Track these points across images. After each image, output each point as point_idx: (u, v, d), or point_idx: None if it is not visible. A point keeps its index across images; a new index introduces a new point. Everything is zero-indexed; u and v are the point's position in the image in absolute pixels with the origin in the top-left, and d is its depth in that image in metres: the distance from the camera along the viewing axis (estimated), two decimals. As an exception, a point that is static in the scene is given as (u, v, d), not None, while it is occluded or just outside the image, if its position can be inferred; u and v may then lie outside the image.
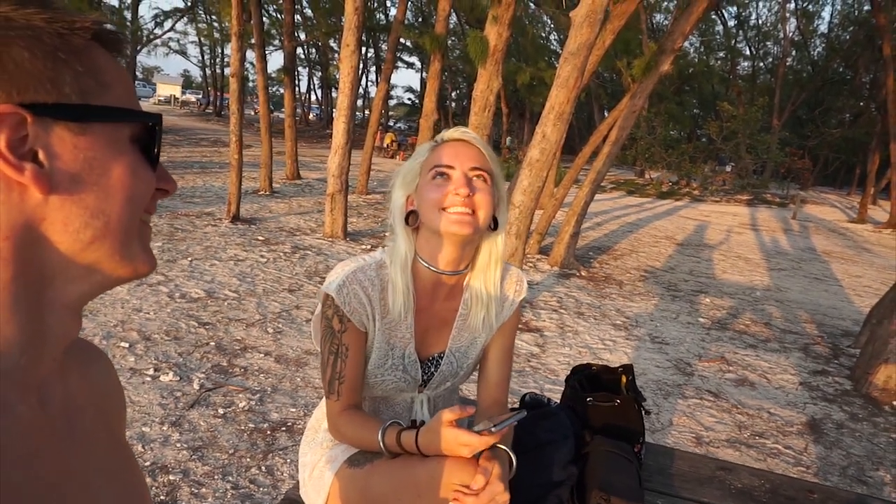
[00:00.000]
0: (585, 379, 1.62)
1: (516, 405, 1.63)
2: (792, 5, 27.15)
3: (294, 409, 3.14)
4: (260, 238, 7.08)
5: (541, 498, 1.24)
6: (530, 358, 4.22)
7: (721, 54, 31.33)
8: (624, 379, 1.59)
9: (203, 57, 41.30)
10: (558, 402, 1.63)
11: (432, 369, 1.31)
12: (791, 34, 27.68)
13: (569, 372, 1.69)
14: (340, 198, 7.34)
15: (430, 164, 1.18)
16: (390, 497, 1.11)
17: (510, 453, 1.10)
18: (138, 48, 26.47)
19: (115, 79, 0.49)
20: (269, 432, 2.90)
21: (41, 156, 0.44)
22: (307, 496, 1.30)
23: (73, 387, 0.55)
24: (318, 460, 1.30)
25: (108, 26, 0.50)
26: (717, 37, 30.63)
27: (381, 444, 1.14)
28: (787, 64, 27.78)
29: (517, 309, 1.34)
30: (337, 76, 7.28)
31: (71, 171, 0.45)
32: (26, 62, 0.43)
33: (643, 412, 1.56)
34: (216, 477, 2.51)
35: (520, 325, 4.84)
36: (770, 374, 4.33)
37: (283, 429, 2.94)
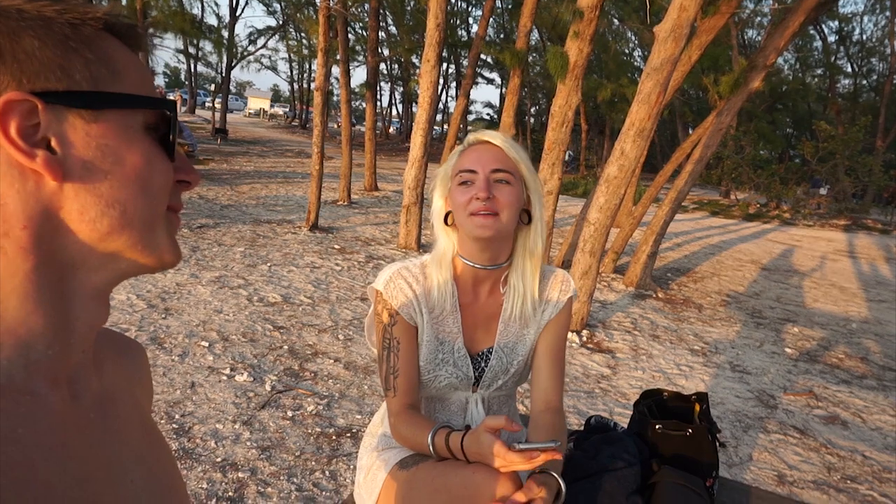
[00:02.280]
0: (655, 405, 1.54)
1: (581, 428, 1.57)
2: (901, 19, 25.35)
3: (360, 416, 3.17)
4: (336, 247, 7.27)
5: (601, 527, 1.18)
6: (600, 380, 4.09)
7: (819, 71, 29.64)
8: (697, 407, 1.50)
9: (291, 72, 43.16)
10: (625, 427, 1.56)
11: (483, 365, 1.33)
12: (899, 50, 25.81)
13: (638, 396, 1.61)
14: (415, 209, 7.43)
15: (456, 168, 1.25)
16: (426, 501, 1.13)
17: (560, 482, 1.07)
18: (233, 64, 27.99)
19: (128, 67, 0.48)
20: (334, 437, 2.94)
21: (54, 143, 0.44)
22: (360, 498, 1.32)
23: (108, 378, 0.55)
24: (372, 463, 1.32)
25: (122, 18, 0.49)
26: (816, 53, 29.00)
27: (430, 445, 1.15)
28: (895, 82, 25.90)
29: (565, 307, 1.35)
30: (417, 91, 7.41)
31: (84, 159, 0.45)
32: (37, 51, 0.43)
33: (717, 444, 1.46)
34: (282, 478, 2.57)
35: (591, 345, 4.72)
36: (865, 413, 3.99)
37: (349, 435, 2.98)
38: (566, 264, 6.54)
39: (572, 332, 4.87)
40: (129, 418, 0.56)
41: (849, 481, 3.08)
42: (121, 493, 0.49)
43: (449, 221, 1.28)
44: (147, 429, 0.59)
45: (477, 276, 1.29)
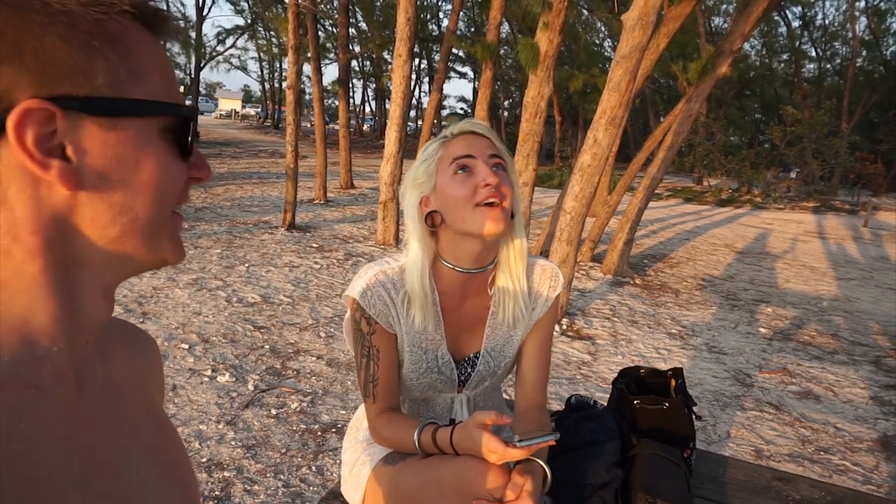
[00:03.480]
0: (633, 382, 1.58)
1: (562, 409, 1.61)
2: (862, 3, 25.93)
3: (344, 412, 3.18)
4: (314, 245, 7.24)
5: (585, 499, 1.21)
6: (581, 366, 4.15)
7: (784, 56, 30.19)
8: (673, 382, 1.55)
9: (262, 72, 42.71)
10: (605, 405, 1.60)
11: (469, 370, 1.29)
12: (861, 33, 26.39)
13: (617, 375, 1.65)
14: (392, 206, 7.43)
15: (447, 158, 1.14)
16: (416, 494, 1.13)
17: (546, 468, 1.06)
18: (202, 64, 27.58)
19: (151, 67, 0.46)
20: (319, 433, 2.95)
21: (69, 151, 0.42)
22: (347, 493, 1.32)
23: (116, 370, 0.55)
24: (357, 458, 1.32)
25: (152, 4, 0.47)
26: (781, 38, 29.52)
27: (416, 443, 1.13)
28: (857, 65, 26.48)
29: (553, 304, 1.29)
30: (390, 86, 7.39)
31: (99, 168, 0.44)
32: (58, 52, 0.41)
33: (694, 416, 1.51)
34: (268, 475, 2.58)
35: (571, 333, 4.78)
36: (837, 387, 4.11)
37: (334, 430, 2.99)
38: (544, 254, 6.61)
39: (552, 320, 4.92)
40: (136, 410, 0.55)
41: (822, 452, 3.18)
42: (126, 486, 0.49)
43: (432, 223, 1.17)
44: (156, 421, 0.58)
45: (463, 281, 1.22)
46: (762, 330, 5.34)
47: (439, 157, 1.16)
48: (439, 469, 1.10)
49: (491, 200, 1.09)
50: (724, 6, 25.32)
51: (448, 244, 1.18)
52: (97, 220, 0.45)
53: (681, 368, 1.59)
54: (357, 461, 1.31)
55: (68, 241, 0.44)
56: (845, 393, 4.02)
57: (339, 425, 3.04)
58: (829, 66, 30.18)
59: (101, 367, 0.52)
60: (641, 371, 1.62)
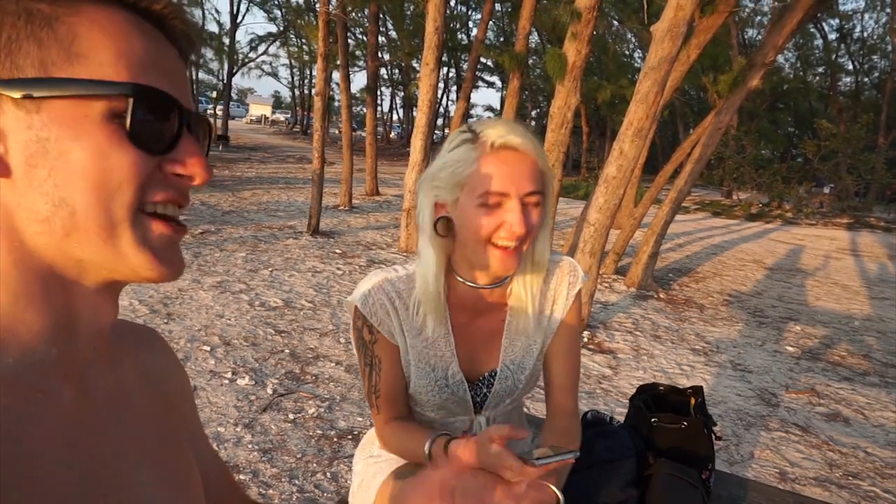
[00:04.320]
0: (651, 399, 1.54)
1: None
2: (901, 17, 25.33)
3: (361, 419, 3.18)
4: (337, 251, 7.29)
5: (597, 519, 1.18)
6: (602, 380, 4.09)
7: (820, 69, 29.60)
8: (693, 401, 1.51)
9: (293, 78, 43.33)
10: (621, 421, 1.57)
11: (485, 390, 1.20)
12: (900, 47, 25.78)
13: (634, 391, 1.62)
14: (416, 213, 7.45)
15: (479, 185, 0.99)
16: None
17: (559, 496, 0.93)
18: (234, 70, 28.09)
19: (98, 47, 0.42)
20: (335, 439, 2.95)
21: None
22: None
23: (125, 374, 0.54)
24: (367, 470, 1.30)
25: None
26: (816, 51, 28.97)
27: (427, 455, 1.06)
28: (896, 79, 25.87)
29: (575, 302, 1.20)
30: (417, 94, 7.45)
31: (26, 154, 0.41)
32: None
33: (713, 437, 1.47)
34: (283, 479, 2.58)
35: (592, 346, 4.72)
36: (868, 410, 3.99)
37: (350, 437, 2.99)
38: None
39: (574, 332, 4.87)
40: (144, 416, 0.54)
41: (850, 478, 3.08)
42: (129, 492, 0.48)
43: (441, 231, 1.07)
44: (164, 427, 0.57)
45: (477, 297, 1.14)
46: (790, 348, 5.21)
47: (470, 174, 1.00)
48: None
49: (508, 245, 1.00)
50: (759, 18, 24.98)
51: (461, 258, 1.10)
52: (38, 214, 0.42)
53: (701, 387, 1.55)
54: (367, 474, 1.30)
55: (28, 237, 0.42)
56: (876, 416, 3.89)
57: (355, 432, 3.03)
58: (866, 79, 29.51)
59: (110, 372, 0.51)
60: (660, 388, 1.58)
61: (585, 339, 4.85)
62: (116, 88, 0.42)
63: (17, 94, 0.40)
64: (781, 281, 8.49)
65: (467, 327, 1.17)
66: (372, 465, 1.29)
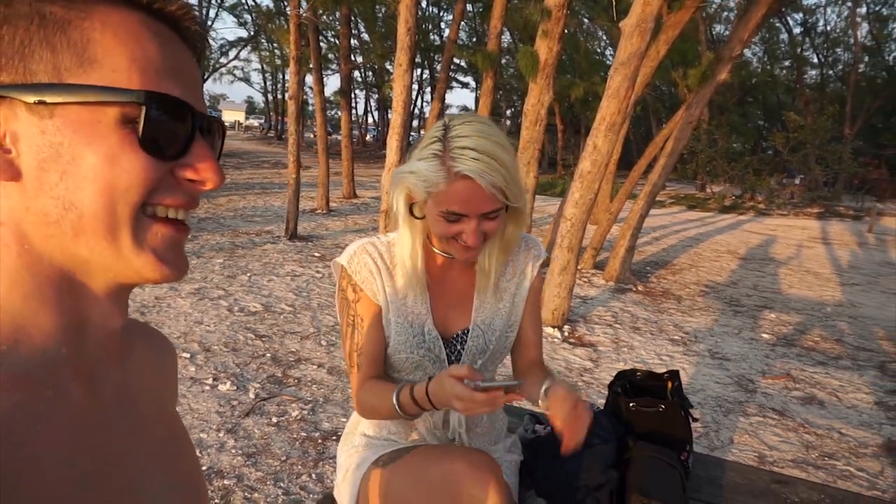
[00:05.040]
0: (629, 384, 1.58)
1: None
2: (863, 10, 25.97)
3: (344, 419, 3.18)
4: (316, 255, 7.26)
5: (580, 500, 1.21)
6: (583, 373, 4.14)
7: (786, 63, 30.18)
8: (670, 385, 1.54)
9: (265, 83, 42.95)
10: (601, 408, 1.60)
11: (459, 348, 1.29)
12: (863, 39, 26.42)
13: (613, 378, 1.65)
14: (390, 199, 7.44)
15: (441, 200, 1.09)
16: (407, 494, 1.13)
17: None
18: (205, 77, 27.80)
19: (112, 52, 0.43)
20: (320, 441, 2.95)
21: (8, 141, 0.41)
22: (340, 496, 1.33)
23: (132, 374, 0.54)
24: (351, 462, 1.32)
25: None
26: (782, 45, 29.55)
27: (395, 402, 1.12)
28: (860, 70, 26.48)
29: (538, 273, 1.36)
30: (391, 96, 7.46)
31: (38, 159, 0.41)
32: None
33: (690, 419, 1.50)
34: (268, 483, 2.57)
35: (572, 340, 4.77)
36: (841, 392, 4.09)
37: (334, 438, 2.98)
38: (545, 262, 6.60)
39: (553, 328, 4.92)
40: (150, 415, 0.54)
41: (826, 458, 3.16)
42: (134, 492, 0.48)
43: (417, 213, 1.20)
44: (169, 426, 0.58)
45: (450, 263, 1.29)
46: (765, 336, 5.31)
47: (435, 193, 1.09)
48: (429, 470, 1.11)
49: (466, 246, 1.14)
50: (726, 13, 25.38)
51: (432, 231, 1.22)
52: (49, 216, 0.42)
53: (677, 371, 1.58)
54: (351, 465, 1.32)
55: (39, 238, 0.43)
56: (850, 398, 3.99)
57: (339, 433, 3.03)
58: (831, 72, 30.17)
59: (118, 371, 0.51)
60: (638, 374, 1.62)
61: (566, 333, 4.90)
62: (129, 96, 0.43)
63: (30, 100, 0.41)
64: (756, 270, 8.65)
65: (441, 288, 1.29)
66: (355, 455, 1.31)
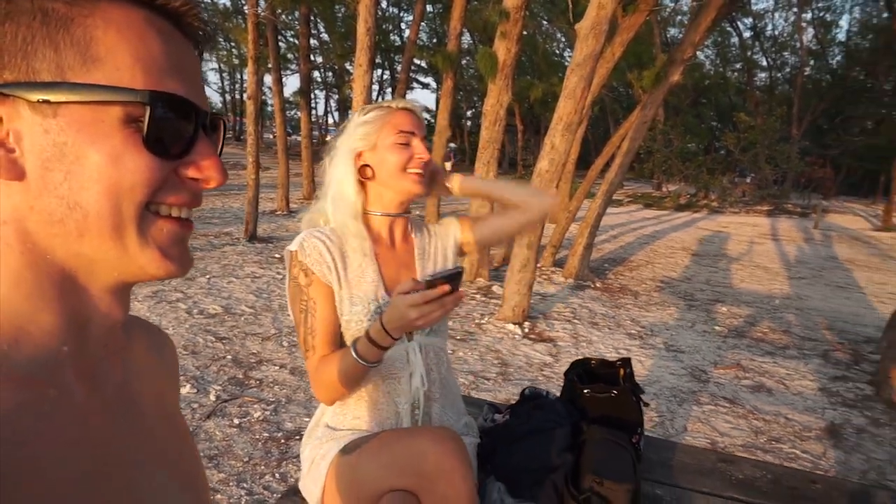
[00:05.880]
0: (584, 372, 1.64)
1: (516, 401, 1.65)
2: (808, 15, 27.04)
3: (307, 419, 3.18)
4: (277, 256, 7.19)
5: (537, 483, 1.26)
6: (543, 367, 4.22)
7: (737, 66, 31.19)
8: (622, 372, 1.61)
9: (223, 83, 42.19)
10: (558, 396, 1.66)
11: None
12: (808, 44, 27.50)
13: (569, 367, 1.71)
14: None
15: (393, 127, 1.32)
16: (374, 477, 1.16)
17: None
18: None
19: (115, 50, 0.42)
20: (283, 441, 2.94)
21: (11, 140, 0.41)
22: (306, 488, 1.34)
23: (133, 372, 0.53)
24: (315, 454, 1.34)
25: None
26: (733, 48, 30.52)
27: (354, 355, 1.17)
28: (806, 73, 27.55)
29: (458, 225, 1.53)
30: (352, 96, 7.45)
31: (42, 158, 0.41)
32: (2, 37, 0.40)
33: (641, 403, 1.57)
34: (231, 484, 2.56)
35: (533, 336, 4.86)
36: (788, 380, 4.27)
37: (297, 437, 2.98)
38: (506, 260, 6.69)
39: (514, 324, 5.00)
40: (151, 414, 0.54)
41: (774, 442, 3.30)
42: (135, 491, 0.47)
43: (364, 175, 1.34)
44: (171, 425, 0.57)
45: (388, 226, 1.40)
46: (718, 328, 5.50)
47: (385, 122, 1.33)
48: (394, 450, 1.14)
49: (419, 172, 1.32)
50: (679, 17, 26.07)
51: (376, 196, 1.37)
52: (54, 215, 0.42)
53: (629, 359, 1.65)
54: (316, 457, 1.33)
55: (42, 237, 0.43)
56: (795, 385, 4.18)
57: (302, 432, 3.02)
58: (779, 74, 31.31)
59: (119, 370, 0.51)
60: (592, 362, 1.68)
61: (527, 330, 4.98)
62: (133, 95, 0.42)
63: (33, 98, 0.40)
64: (709, 266, 8.93)
65: (387, 255, 1.39)
66: (319, 446, 1.33)
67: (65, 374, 0.44)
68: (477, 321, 5.15)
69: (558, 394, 1.74)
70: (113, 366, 0.50)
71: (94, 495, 0.42)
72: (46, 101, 0.40)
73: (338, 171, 1.35)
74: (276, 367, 3.82)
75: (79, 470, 0.42)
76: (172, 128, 0.45)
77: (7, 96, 0.40)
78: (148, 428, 0.52)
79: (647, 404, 1.60)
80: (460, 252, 1.52)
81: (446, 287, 1.06)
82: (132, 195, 0.43)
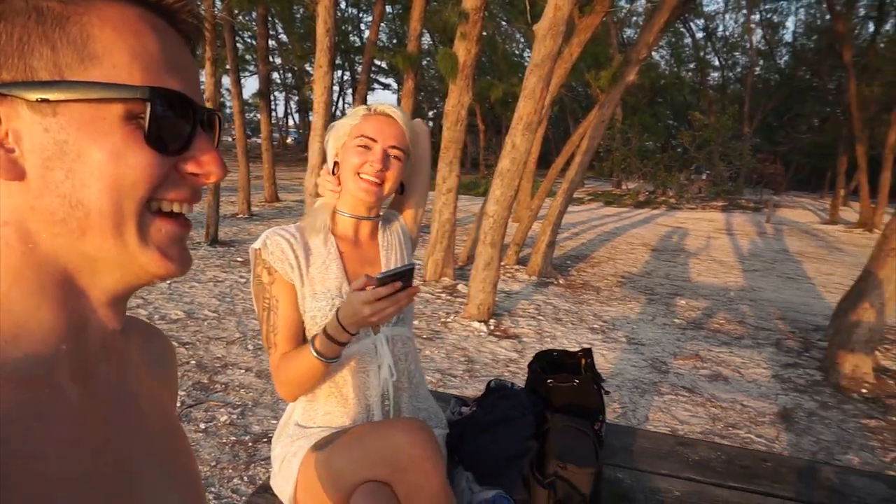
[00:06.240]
0: (547, 363, 1.69)
1: (482, 393, 1.70)
2: (757, 16, 27.95)
3: (275, 421, 3.17)
4: (239, 259, 7.10)
5: (503, 470, 1.30)
6: (509, 363, 4.29)
7: (691, 65, 32.02)
8: (583, 361, 1.67)
9: (179, 85, 41.27)
10: (522, 387, 1.70)
11: None
12: (757, 44, 28.43)
13: (532, 358, 1.76)
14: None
15: (358, 130, 1.34)
16: (349, 469, 1.18)
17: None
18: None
19: (112, 48, 0.43)
20: (250, 444, 2.93)
21: (10, 140, 0.41)
22: (278, 486, 1.35)
23: (131, 372, 0.53)
24: (286, 452, 1.35)
25: None
26: (687, 49, 31.33)
27: (313, 351, 1.19)
28: (756, 73, 28.47)
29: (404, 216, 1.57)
30: (312, 97, 7.41)
31: (42, 157, 0.41)
32: None
33: (602, 392, 1.64)
34: (198, 488, 2.54)
35: (498, 333, 4.92)
36: (743, 368, 4.44)
37: (265, 440, 2.97)
38: (470, 259, 6.75)
39: (479, 322, 5.06)
40: (149, 413, 0.54)
41: (731, 428, 3.43)
42: (133, 491, 0.47)
43: (336, 171, 1.37)
44: (167, 426, 0.57)
45: (356, 227, 1.42)
46: (677, 321, 5.67)
47: (356, 124, 1.35)
48: (366, 443, 1.16)
49: (370, 179, 1.32)
50: (635, 18, 26.63)
51: (344, 195, 1.39)
52: (55, 214, 0.42)
53: (590, 349, 1.71)
54: (287, 454, 1.35)
55: (43, 237, 0.43)
56: (750, 373, 4.34)
57: (270, 434, 3.02)
58: (731, 74, 32.24)
59: (116, 369, 0.51)
60: (555, 353, 1.74)
61: (492, 327, 5.05)
62: (133, 92, 0.43)
63: (32, 98, 0.40)
64: (668, 261, 9.17)
65: (351, 253, 1.41)
66: (290, 445, 1.34)
67: (61, 375, 0.44)
68: (443, 320, 5.19)
69: (523, 386, 1.78)
70: (110, 366, 0.50)
71: (92, 496, 0.42)
72: (46, 100, 0.40)
73: (330, 153, 1.41)
74: (242, 371, 3.79)
75: (76, 470, 0.42)
76: (172, 124, 0.45)
77: (5, 96, 0.40)
78: (145, 428, 0.52)
79: (607, 392, 1.66)
80: (411, 242, 1.56)
81: (397, 284, 1.09)
82: (134, 192, 0.44)
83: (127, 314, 0.57)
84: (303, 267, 1.33)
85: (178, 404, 3.26)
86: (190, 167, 0.47)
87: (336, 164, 1.38)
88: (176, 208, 0.47)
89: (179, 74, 0.46)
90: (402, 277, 1.09)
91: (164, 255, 0.47)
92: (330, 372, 1.33)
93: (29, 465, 0.38)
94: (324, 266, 1.35)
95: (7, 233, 0.42)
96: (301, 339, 1.34)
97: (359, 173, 1.32)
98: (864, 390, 4.04)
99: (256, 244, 1.33)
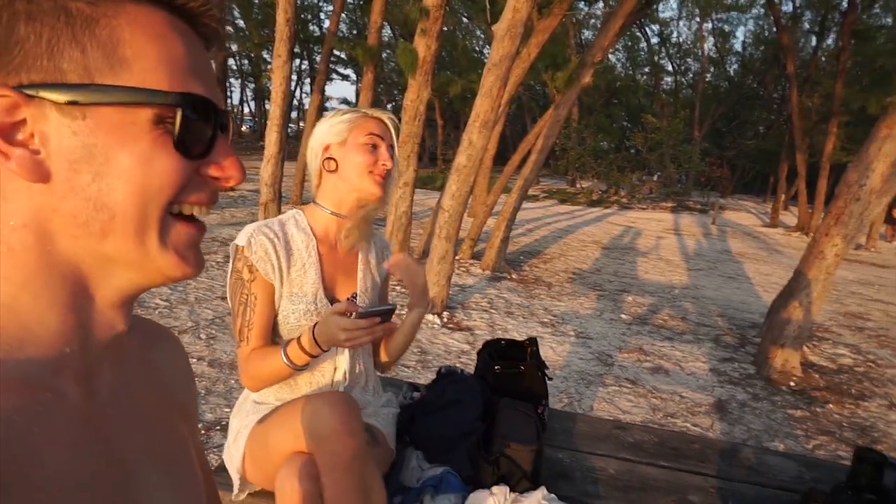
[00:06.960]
0: (495, 351, 1.79)
1: (433, 379, 1.78)
2: (709, 25, 28.90)
3: (228, 409, 3.18)
4: (192, 248, 6.99)
5: (451, 448, 1.39)
6: (461, 355, 4.39)
7: (646, 69, 32.88)
8: (529, 350, 1.77)
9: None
10: (472, 373, 1.80)
11: None
12: (709, 52, 29.41)
13: (481, 346, 1.86)
14: (273, 207, 7.35)
15: (364, 129, 1.40)
16: (281, 441, 1.24)
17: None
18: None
19: (147, 52, 0.43)
20: (203, 432, 2.94)
21: (37, 142, 0.40)
22: (230, 457, 1.41)
23: (132, 373, 0.53)
24: (241, 426, 1.41)
25: None
26: (642, 53, 32.14)
27: (284, 356, 1.25)
28: (706, 79, 29.50)
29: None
30: (269, 86, 7.34)
31: (69, 160, 0.41)
32: (20, 36, 0.39)
33: (545, 378, 1.74)
34: (149, 475, 2.54)
35: (451, 325, 5.02)
36: (683, 362, 4.66)
37: (218, 428, 2.98)
38: (425, 252, 6.84)
39: (433, 314, 5.15)
40: (151, 415, 0.53)
41: (669, 417, 3.62)
42: (134, 493, 0.47)
43: (328, 167, 1.40)
44: (169, 428, 0.57)
45: (336, 224, 1.44)
46: (623, 316, 5.89)
47: (357, 124, 1.40)
48: (295, 415, 1.22)
49: (382, 176, 1.40)
50: (593, 21, 27.15)
51: (332, 190, 1.42)
52: (78, 217, 0.42)
53: (535, 338, 1.82)
54: (241, 428, 1.40)
55: (60, 240, 0.43)
56: (690, 367, 4.57)
57: (223, 423, 3.03)
58: (683, 79, 33.27)
59: (118, 371, 0.51)
60: (502, 342, 1.83)
61: (445, 319, 5.15)
62: (164, 98, 0.43)
63: (61, 100, 0.40)
64: (617, 259, 9.45)
65: (329, 256, 1.44)
66: (244, 419, 1.40)
67: (64, 377, 0.44)
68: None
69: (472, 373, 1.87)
70: (112, 368, 0.50)
71: (92, 498, 0.42)
72: (75, 103, 0.40)
73: (311, 165, 1.44)
74: (195, 360, 3.78)
75: (77, 473, 0.42)
76: (197, 128, 0.45)
77: (32, 98, 0.40)
78: (148, 430, 0.52)
79: (550, 378, 1.77)
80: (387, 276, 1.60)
81: (377, 320, 1.16)
82: (160, 196, 0.44)
83: (135, 315, 0.57)
84: (283, 268, 1.36)
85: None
86: (212, 171, 0.48)
87: (330, 160, 1.40)
88: (196, 212, 0.48)
89: (203, 79, 0.47)
90: (382, 315, 1.17)
91: (181, 257, 0.47)
92: None
93: (26, 468, 0.38)
94: (303, 270, 1.39)
95: (25, 234, 0.42)
96: (271, 335, 1.39)
97: (371, 171, 1.38)
98: (792, 383, 4.32)
99: (240, 241, 1.35)
